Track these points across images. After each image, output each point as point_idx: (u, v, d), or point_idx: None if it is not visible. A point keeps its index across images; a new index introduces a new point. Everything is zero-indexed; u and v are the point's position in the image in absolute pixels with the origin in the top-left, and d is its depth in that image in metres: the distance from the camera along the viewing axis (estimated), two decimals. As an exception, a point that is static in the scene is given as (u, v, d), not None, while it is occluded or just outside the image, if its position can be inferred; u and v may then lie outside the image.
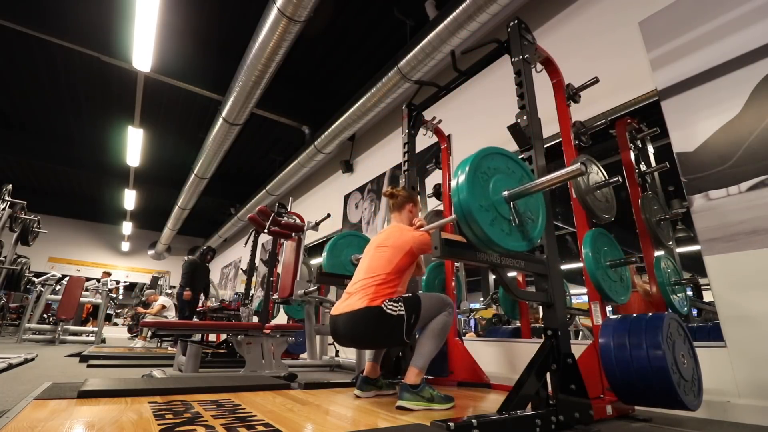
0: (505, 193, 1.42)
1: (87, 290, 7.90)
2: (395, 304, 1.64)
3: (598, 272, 1.79)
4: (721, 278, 1.95)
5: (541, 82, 2.06)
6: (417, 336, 1.76)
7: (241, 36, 4.32)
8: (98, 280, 8.77)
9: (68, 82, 5.98)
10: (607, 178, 2.11)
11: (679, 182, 2.19)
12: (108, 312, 9.00)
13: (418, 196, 2.07)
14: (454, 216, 1.39)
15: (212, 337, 5.72)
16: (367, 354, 1.98)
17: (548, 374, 1.49)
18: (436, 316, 1.72)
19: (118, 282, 11.35)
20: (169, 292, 9.29)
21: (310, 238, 5.11)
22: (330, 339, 4.53)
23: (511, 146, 2.30)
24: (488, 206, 1.36)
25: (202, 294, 5.80)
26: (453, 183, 1.35)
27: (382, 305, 1.63)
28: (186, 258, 5.88)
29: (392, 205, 2.04)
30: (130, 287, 12.76)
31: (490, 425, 1.23)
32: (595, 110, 2.66)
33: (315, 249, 6.62)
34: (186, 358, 3.06)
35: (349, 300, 1.72)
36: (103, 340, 7.07)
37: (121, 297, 11.04)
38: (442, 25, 3.31)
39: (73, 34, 4.45)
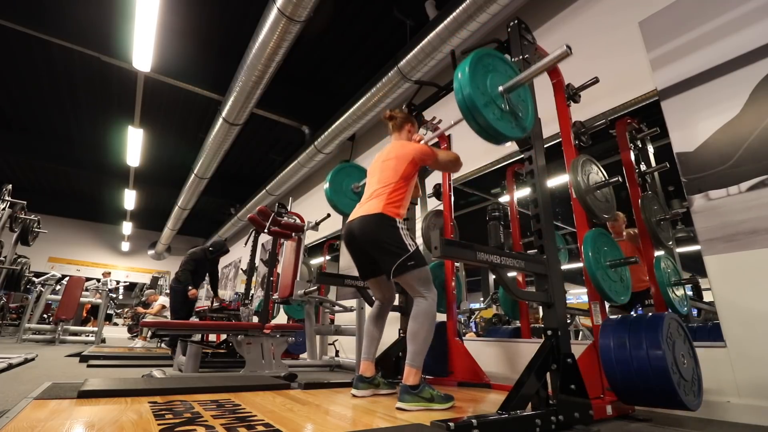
0: (501, 87, 1.56)
1: (87, 290, 7.90)
2: (411, 238, 1.82)
3: (598, 272, 1.79)
4: (721, 278, 1.95)
5: (541, 82, 2.06)
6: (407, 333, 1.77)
7: (241, 36, 4.32)
8: (98, 280, 8.77)
9: (68, 82, 5.98)
10: (607, 178, 2.11)
11: (679, 182, 2.19)
12: (108, 312, 8.99)
13: (415, 119, 2.26)
14: (452, 122, 1.58)
15: (212, 337, 5.72)
16: (362, 353, 2.00)
17: (548, 374, 1.49)
18: (421, 289, 1.77)
19: (118, 282, 11.35)
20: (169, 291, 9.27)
21: (310, 238, 5.11)
22: (330, 339, 4.54)
23: (512, 146, 2.30)
24: (486, 95, 1.51)
25: (205, 290, 5.43)
26: (455, 84, 1.48)
27: (398, 224, 1.81)
28: (198, 252, 5.09)
29: (392, 126, 2.19)
30: (130, 287, 12.76)
31: (490, 425, 1.23)
32: (595, 110, 2.66)
33: (315, 249, 6.62)
34: (186, 358, 3.06)
35: (365, 206, 1.90)
36: (103, 340, 7.07)
37: (121, 297, 11.04)
38: (442, 25, 3.31)
39: (73, 34, 4.45)
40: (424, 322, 1.72)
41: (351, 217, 1.94)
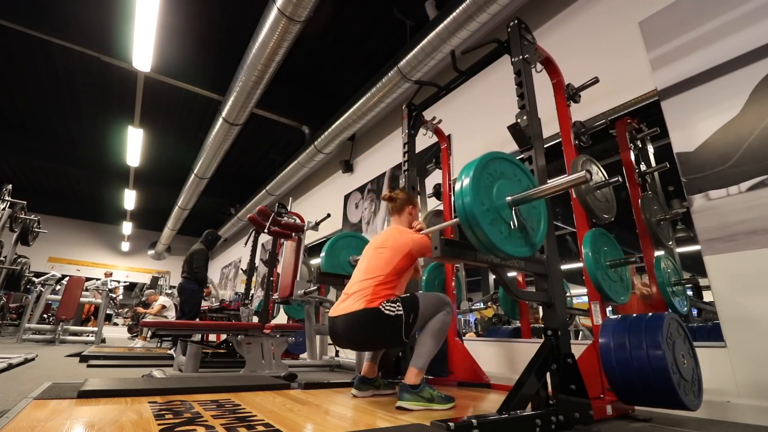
0: (509, 198, 1.38)
1: (87, 290, 7.90)
2: (393, 305, 1.65)
3: (598, 272, 1.79)
4: (721, 278, 1.95)
5: (541, 82, 2.06)
6: (417, 335, 1.77)
7: (241, 36, 4.32)
8: (97, 279, 8.77)
9: (68, 82, 5.98)
10: (607, 178, 2.11)
11: (679, 182, 2.19)
12: (108, 312, 8.98)
13: (417, 198, 2.08)
14: (455, 219, 1.37)
15: (212, 337, 5.72)
16: (366, 354, 1.99)
17: (548, 374, 1.49)
18: (434, 315, 1.73)
19: (118, 282, 11.34)
20: (169, 292, 9.28)
21: (310, 238, 5.11)
22: (330, 339, 4.53)
23: (511, 146, 2.30)
24: (492, 211, 1.32)
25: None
26: (457, 186, 1.32)
27: (380, 307, 1.64)
28: (200, 247, 4.98)
29: (392, 208, 2.05)
30: (130, 287, 12.76)
31: (490, 425, 1.23)
32: (595, 110, 2.66)
33: (315, 249, 6.62)
34: (186, 358, 3.06)
35: (347, 301, 1.72)
36: (103, 340, 7.07)
37: (121, 297, 11.04)
38: (442, 25, 3.31)
39: (73, 34, 4.45)
40: (436, 330, 1.71)
41: (333, 313, 1.76)
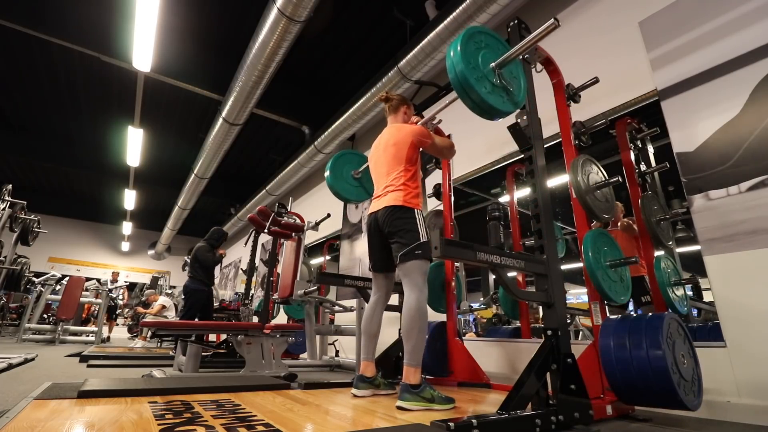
0: (492, 64, 1.59)
1: (87, 290, 7.90)
2: (426, 229, 1.87)
3: (598, 272, 1.79)
4: (721, 278, 1.95)
5: (541, 82, 2.06)
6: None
7: (241, 36, 4.32)
8: (98, 280, 8.76)
9: (68, 82, 5.98)
10: (607, 178, 2.11)
11: (679, 182, 2.19)
12: (116, 312, 8.98)
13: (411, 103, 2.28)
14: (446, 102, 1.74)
15: (212, 337, 5.71)
16: (362, 353, 2.00)
17: (548, 374, 1.49)
18: (419, 281, 1.78)
19: (124, 284, 11.31)
20: (169, 292, 9.28)
21: (310, 238, 5.12)
22: (330, 339, 4.54)
23: (512, 146, 2.31)
24: (477, 70, 1.56)
25: None
26: (448, 60, 1.54)
27: (416, 214, 1.87)
28: (203, 244, 4.54)
29: (388, 108, 2.21)
30: (130, 287, 12.77)
31: (490, 425, 1.23)
32: (595, 110, 2.65)
33: (315, 249, 6.62)
34: (186, 358, 3.07)
35: (384, 198, 1.95)
36: (103, 340, 7.06)
37: (121, 299, 11.02)
38: (442, 25, 3.31)
39: (73, 34, 4.45)
40: (415, 318, 1.72)
41: (373, 209, 2.00)
